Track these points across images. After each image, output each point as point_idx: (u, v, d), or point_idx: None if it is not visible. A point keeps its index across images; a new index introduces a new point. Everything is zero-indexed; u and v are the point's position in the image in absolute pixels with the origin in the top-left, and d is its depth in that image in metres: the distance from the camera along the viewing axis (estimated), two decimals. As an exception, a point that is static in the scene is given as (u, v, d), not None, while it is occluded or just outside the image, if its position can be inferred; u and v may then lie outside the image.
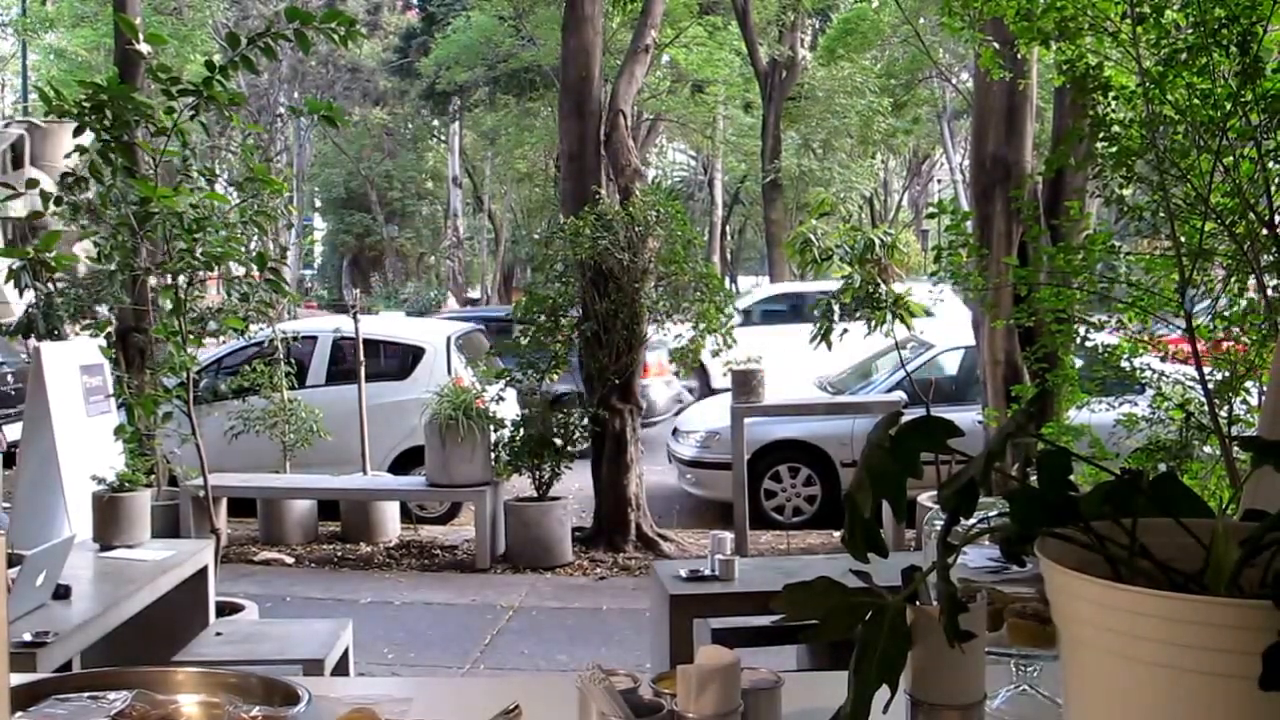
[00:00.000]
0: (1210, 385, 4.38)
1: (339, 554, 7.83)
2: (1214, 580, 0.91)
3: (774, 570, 4.53)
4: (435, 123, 32.23)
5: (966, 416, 6.75)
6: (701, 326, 7.79)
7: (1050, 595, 0.96)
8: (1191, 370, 4.51)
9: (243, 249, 5.11)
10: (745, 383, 7.40)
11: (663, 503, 9.12)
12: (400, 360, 9.32)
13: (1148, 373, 5.15)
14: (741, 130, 25.74)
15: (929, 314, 8.24)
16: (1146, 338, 4.97)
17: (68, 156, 4.88)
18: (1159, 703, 0.86)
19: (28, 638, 3.00)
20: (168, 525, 6.90)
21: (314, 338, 9.30)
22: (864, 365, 9.88)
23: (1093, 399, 5.75)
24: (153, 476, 6.32)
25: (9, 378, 10.90)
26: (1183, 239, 4.26)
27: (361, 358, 8.41)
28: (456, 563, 7.62)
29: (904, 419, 1.03)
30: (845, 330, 7.09)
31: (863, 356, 9.30)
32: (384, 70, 29.18)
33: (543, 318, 7.80)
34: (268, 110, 26.79)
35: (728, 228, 33.50)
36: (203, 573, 4.22)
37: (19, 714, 1.41)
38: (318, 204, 36.78)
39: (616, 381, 7.78)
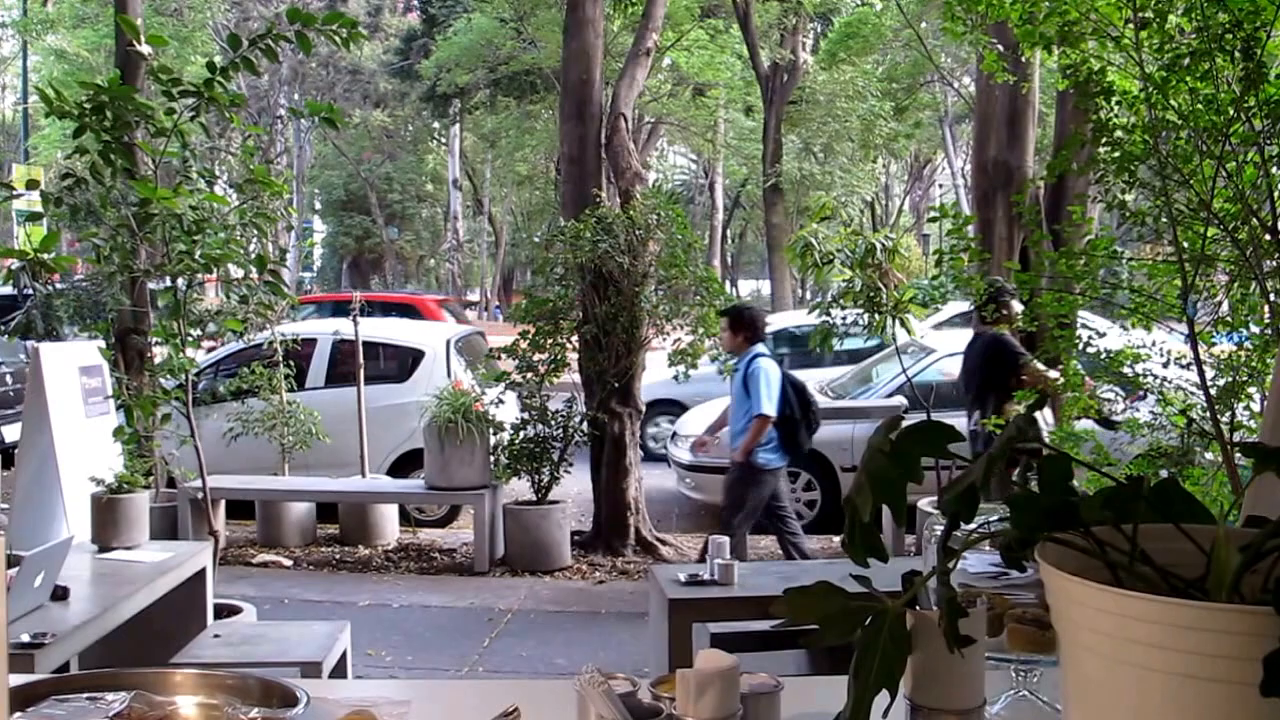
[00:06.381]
0: (1212, 391, 4.37)
1: (337, 556, 7.82)
2: (1215, 586, 0.90)
3: (773, 575, 4.52)
4: (435, 125, 32.29)
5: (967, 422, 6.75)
6: (701, 330, 7.78)
7: (1050, 600, 0.96)
8: (1194, 376, 4.50)
9: (242, 251, 5.11)
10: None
11: (661, 506, 9.11)
12: (400, 363, 9.32)
13: (1150, 379, 5.14)
14: (742, 134, 25.76)
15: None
16: (1150, 341, 4.96)
17: (68, 157, 4.88)
18: (1159, 708, 0.85)
19: (26, 639, 3.00)
20: (166, 527, 6.90)
21: (314, 340, 9.30)
22: (864, 370, 9.86)
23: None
24: (151, 478, 6.31)
25: (8, 379, 10.90)
26: (1185, 245, 4.25)
27: (361, 360, 8.41)
28: (455, 566, 7.61)
29: (905, 424, 1.03)
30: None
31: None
32: (384, 72, 29.22)
33: (542, 321, 7.80)
34: (268, 112, 26.82)
35: (728, 231, 33.56)
36: (201, 575, 4.22)
37: (17, 714, 1.41)
38: (318, 206, 36.83)
39: (616, 385, 7.77)
